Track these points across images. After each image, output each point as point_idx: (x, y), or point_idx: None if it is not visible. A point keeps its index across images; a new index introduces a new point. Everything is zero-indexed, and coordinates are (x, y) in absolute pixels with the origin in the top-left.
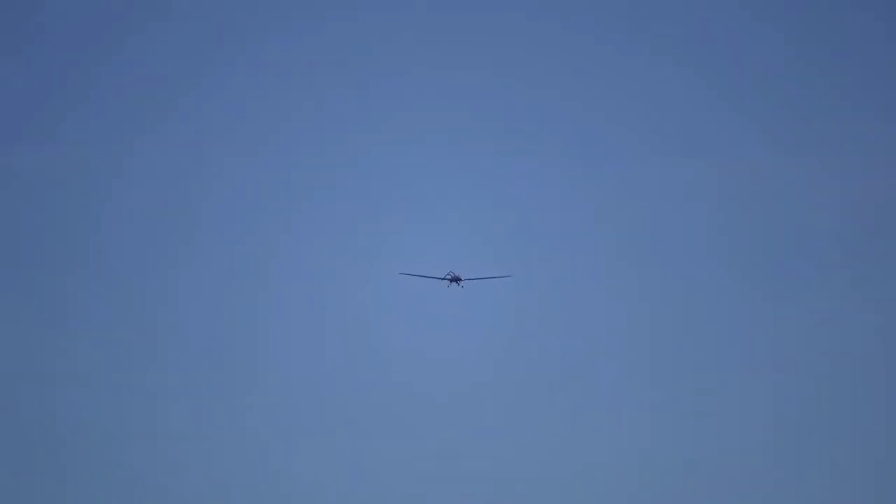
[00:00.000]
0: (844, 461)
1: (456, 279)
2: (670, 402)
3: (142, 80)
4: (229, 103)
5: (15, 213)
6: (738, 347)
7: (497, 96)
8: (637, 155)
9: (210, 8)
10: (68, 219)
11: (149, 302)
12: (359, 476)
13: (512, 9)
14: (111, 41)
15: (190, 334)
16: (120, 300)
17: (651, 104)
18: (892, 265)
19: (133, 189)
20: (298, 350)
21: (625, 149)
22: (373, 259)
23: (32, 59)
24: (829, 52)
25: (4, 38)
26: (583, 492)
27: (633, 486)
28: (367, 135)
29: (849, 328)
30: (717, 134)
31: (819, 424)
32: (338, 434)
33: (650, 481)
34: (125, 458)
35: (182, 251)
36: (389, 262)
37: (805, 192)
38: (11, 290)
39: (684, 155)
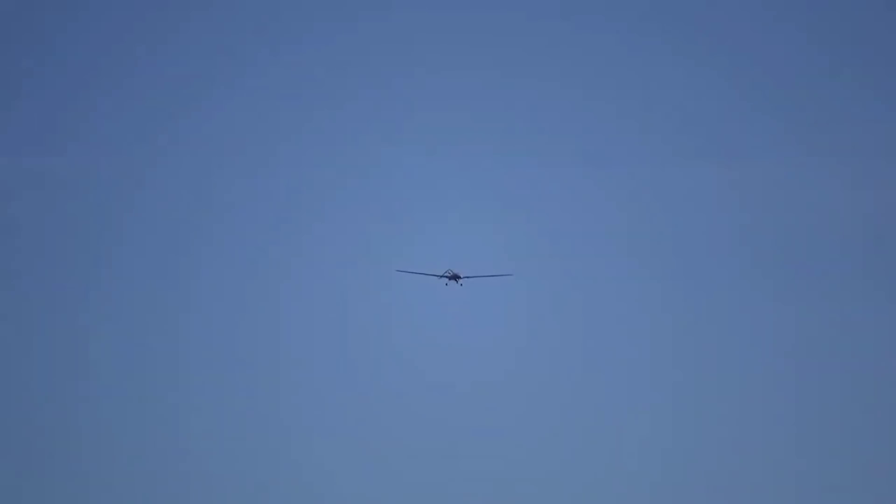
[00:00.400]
0: (862, 465)
1: (455, 277)
2: (676, 404)
3: (155, 85)
4: (230, 106)
5: (32, 219)
6: (742, 349)
7: (501, 95)
8: (643, 155)
9: (218, 15)
10: (86, 223)
11: (149, 297)
12: (351, 473)
13: (513, 8)
14: (125, 46)
15: (184, 334)
16: (129, 295)
17: (657, 105)
18: None
19: (138, 187)
20: (295, 346)
21: (630, 149)
22: (372, 256)
23: (48, 66)
24: (850, 52)
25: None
26: (585, 494)
27: (637, 490)
28: (370, 134)
29: (872, 333)
30: (720, 136)
31: (838, 428)
32: (331, 432)
33: (654, 485)
34: (133, 458)
35: (178, 249)
36: (389, 259)
37: (819, 194)
38: (32, 292)
39: (688, 157)
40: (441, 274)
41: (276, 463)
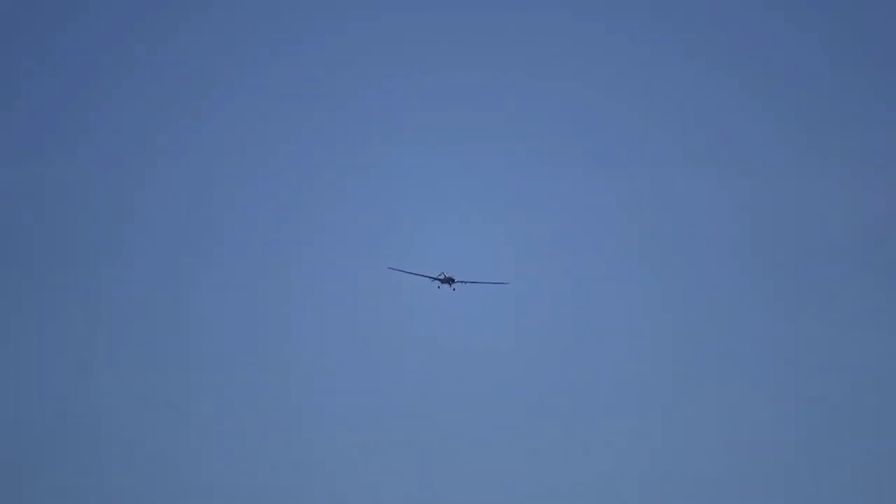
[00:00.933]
0: (862, 465)
1: (449, 280)
2: (678, 409)
3: (155, 85)
4: (230, 106)
5: (31, 219)
6: (745, 354)
7: (501, 95)
8: (644, 158)
9: (218, 15)
10: (86, 223)
11: (147, 296)
12: (345, 471)
13: (514, 8)
14: (125, 46)
15: (182, 332)
16: (128, 294)
17: (658, 107)
18: None
19: (138, 188)
20: (293, 345)
21: (631, 150)
22: (371, 256)
23: (48, 66)
24: (853, 55)
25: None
26: (584, 500)
27: (638, 499)
28: (370, 134)
29: (874, 334)
30: (721, 139)
31: (839, 429)
32: (328, 429)
33: (655, 494)
34: (133, 459)
35: (176, 248)
36: (388, 260)
37: (822, 197)
38: (32, 294)
39: (690, 160)
40: (435, 276)
41: (270, 459)
